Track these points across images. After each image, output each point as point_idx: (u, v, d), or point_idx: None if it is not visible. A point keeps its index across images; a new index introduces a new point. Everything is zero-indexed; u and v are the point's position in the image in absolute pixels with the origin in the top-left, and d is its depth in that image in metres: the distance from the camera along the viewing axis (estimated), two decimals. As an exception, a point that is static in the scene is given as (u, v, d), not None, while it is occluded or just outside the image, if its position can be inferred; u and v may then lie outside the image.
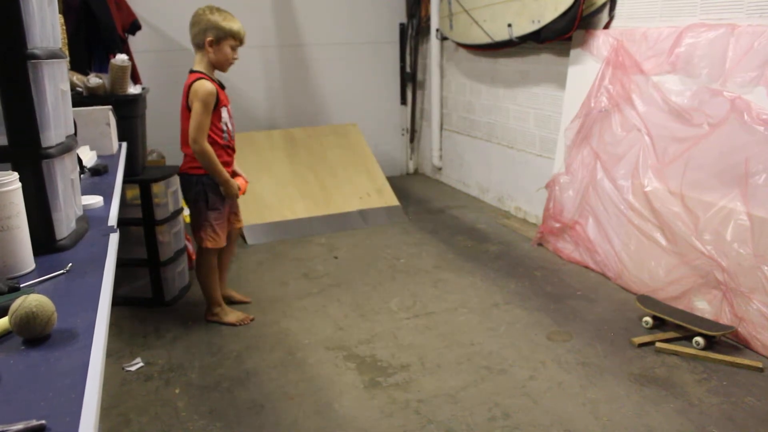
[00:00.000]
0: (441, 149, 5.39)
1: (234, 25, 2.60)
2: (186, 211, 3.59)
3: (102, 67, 3.66)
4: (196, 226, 2.74)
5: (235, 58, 2.66)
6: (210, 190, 2.68)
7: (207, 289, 2.85)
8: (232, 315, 2.87)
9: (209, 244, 2.74)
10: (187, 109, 2.60)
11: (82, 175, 2.05)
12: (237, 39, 2.62)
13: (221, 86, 2.67)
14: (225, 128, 2.68)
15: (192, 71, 2.63)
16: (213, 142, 2.63)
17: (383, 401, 2.26)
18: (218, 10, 2.60)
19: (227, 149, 2.71)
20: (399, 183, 5.31)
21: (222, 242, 2.78)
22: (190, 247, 3.47)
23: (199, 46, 2.61)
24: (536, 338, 2.69)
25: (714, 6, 2.79)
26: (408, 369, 2.47)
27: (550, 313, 2.91)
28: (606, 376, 2.39)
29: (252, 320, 2.89)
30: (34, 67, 1.28)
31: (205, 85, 2.54)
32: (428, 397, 2.28)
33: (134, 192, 3.06)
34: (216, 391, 2.34)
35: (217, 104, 2.60)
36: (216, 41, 2.58)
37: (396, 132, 5.74)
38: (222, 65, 2.65)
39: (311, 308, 3.02)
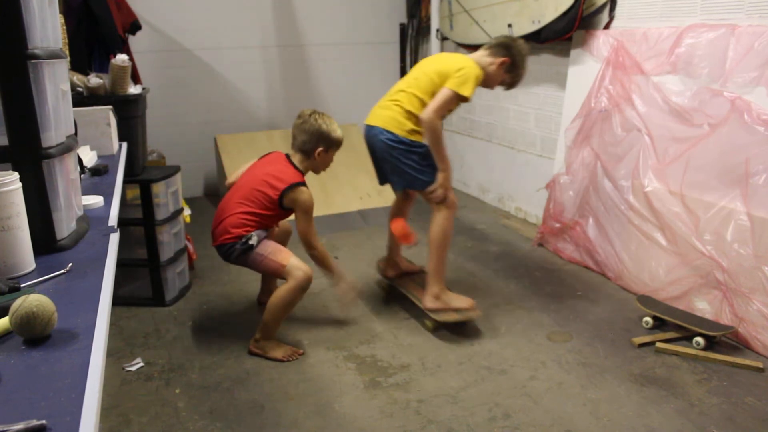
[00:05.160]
0: (441, 149, 5.39)
1: (339, 133, 2.64)
2: (186, 212, 3.59)
3: (102, 67, 3.66)
4: (268, 269, 2.54)
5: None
6: (255, 237, 2.51)
7: (274, 321, 2.55)
8: (279, 350, 2.58)
9: (285, 263, 2.48)
10: (279, 204, 2.52)
11: (82, 175, 2.05)
12: (339, 148, 2.67)
13: None
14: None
15: (290, 161, 2.62)
16: (264, 215, 2.54)
17: (383, 401, 2.26)
18: (321, 115, 2.62)
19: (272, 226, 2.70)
20: (399, 183, 5.30)
21: (288, 254, 2.54)
22: (191, 247, 3.47)
23: (306, 152, 2.62)
24: (536, 338, 2.68)
25: (714, 6, 2.79)
26: (408, 369, 2.47)
27: (551, 314, 2.91)
28: (606, 376, 2.39)
29: (302, 354, 2.60)
30: (34, 67, 1.28)
31: (308, 196, 2.54)
32: (428, 397, 2.28)
33: (134, 192, 3.06)
34: (216, 391, 2.34)
35: None
36: (324, 151, 2.62)
37: (396, 132, 5.73)
38: (321, 169, 2.70)
39: (311, 308, 3.02)
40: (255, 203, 2.53)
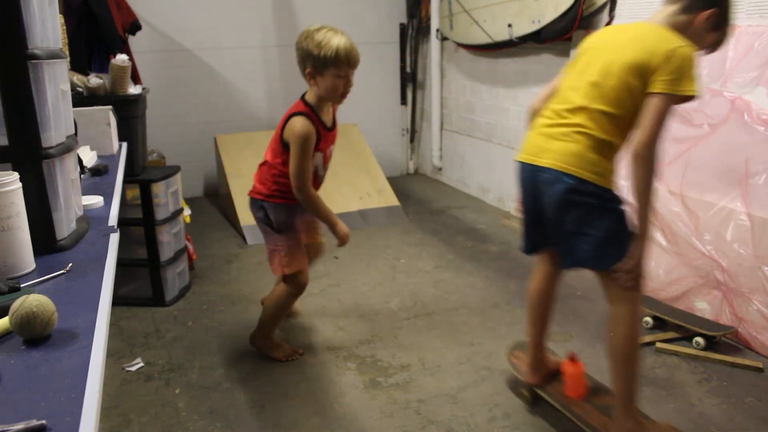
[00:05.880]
0: (441, 149, 5.39)
1: (330, 48, 2.14)
2: (186, 212, 3.59)
3: (102, 67, 3.67)
4: (269, 255, 2.46)
5: (349, 86, 2.25)
6: (272, 213, 2.37)
7: (269, 321, 2.54)
8: (279, 350, 2.57)
9: (286, 270, 2.39)
10: (280, 141, 2.27)
11: (82, 175, 2.05)
12: (340, 65, 2.17)
13: (327, 127, 2.31)
14: (315, 172, 2.36)
15: (302, 98, 2.31)
16: (275, 163, 2.35)
17: (383, 401, 2.26)
18: (317, 30, 2.19)
19: None
20: (399, 183, 5.31)
21: (298, 265, 2.42)
22: (191, 247, 3.47)
23: (305, 78, 2.26)
24: (536, 338, 2.68)
25: (714, 6, 2.79)
26: (408, 369, 2.47)
27: (551, 314, 2.91)
28: (606, 376, 2.38)
29: (302, 354, 2.59)
30: (34, 67, 1.28)
31: (301, 126, 2.19)
32: (428, 397, 2.28)
33: (134, 192, 3.06)
34: (216, 392, 2.34)
35: (315, 146, 2.25)
36: (316, 72, 2.20)
37: (396, 132, 5.74)
38: (331, 97, 2.25)
39: (311, 308, 3.02)
40: (270, 150, 2.35)
